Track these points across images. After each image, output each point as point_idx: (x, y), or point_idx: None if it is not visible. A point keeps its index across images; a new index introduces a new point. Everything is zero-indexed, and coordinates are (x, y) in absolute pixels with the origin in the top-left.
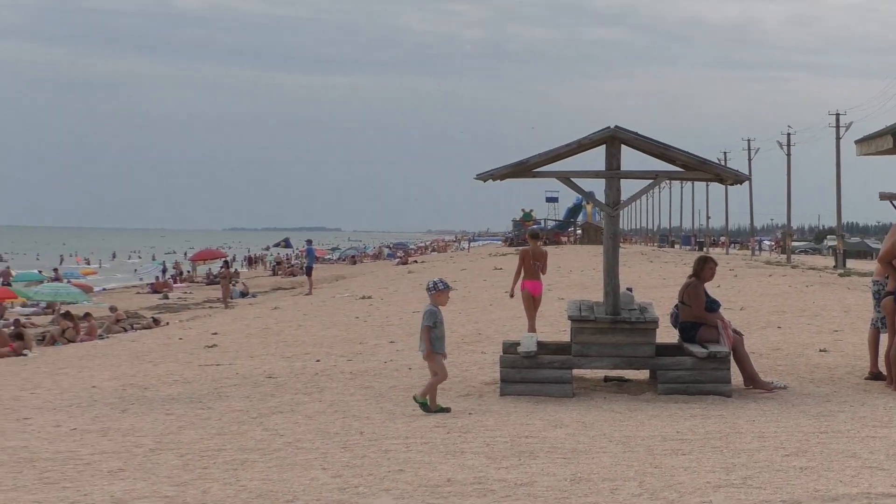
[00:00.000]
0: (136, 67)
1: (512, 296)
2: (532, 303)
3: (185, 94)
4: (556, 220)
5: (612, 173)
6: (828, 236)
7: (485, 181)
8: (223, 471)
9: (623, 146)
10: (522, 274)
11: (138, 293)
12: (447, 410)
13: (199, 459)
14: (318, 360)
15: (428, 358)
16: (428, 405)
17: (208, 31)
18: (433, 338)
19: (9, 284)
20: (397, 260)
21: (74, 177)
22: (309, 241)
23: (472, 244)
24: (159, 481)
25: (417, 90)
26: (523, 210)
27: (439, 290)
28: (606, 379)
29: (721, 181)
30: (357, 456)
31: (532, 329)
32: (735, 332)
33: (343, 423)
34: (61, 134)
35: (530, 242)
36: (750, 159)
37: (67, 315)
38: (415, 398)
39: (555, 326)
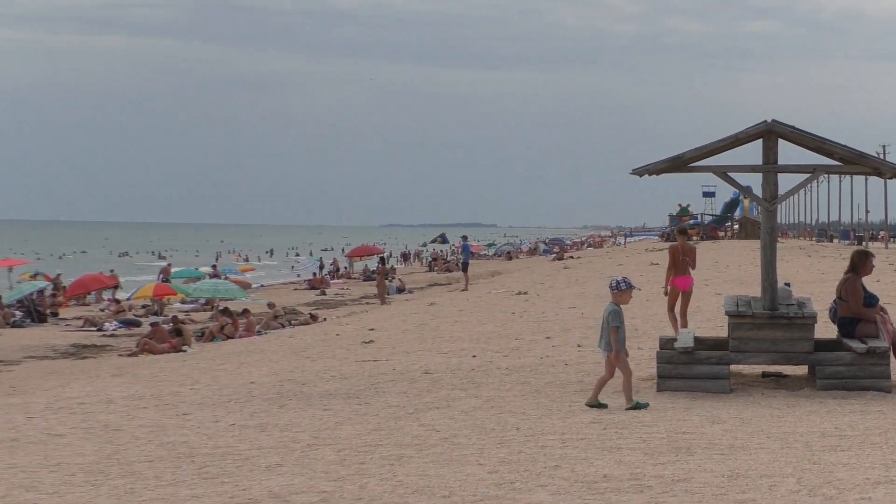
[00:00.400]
0: (294, 66)
1: (666, 293)
2: (681, 298)
3: (342, 92)
4: (712, 215)
5: (770, 167)
6: None
7: (641, 176)
8: (380, 466)
9: (780, 140)
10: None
11: (296, 289)
12: (604, 406)
13: (356, 455)
14: (474, 356)
15: (616, 358)
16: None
17: (364, 29)
18: (619, 338)
19: (168, 281)
20: (553, 255)
21: (230, 175)
22: (464, 238)
23: (628, 239)
24: (317, 476)
25: (571, 85)
26: (680, 205)
27: (622, 290)
28: (764, 374)
29: (880, 175)
30: (513, 452)
31: (675, 326)
32: (895, 327)
33: (499, 418)
34: (217, 133)
35: (678, 238)
36: None
37: (226, 311)
38: (627, 409)
39: (712, 322)
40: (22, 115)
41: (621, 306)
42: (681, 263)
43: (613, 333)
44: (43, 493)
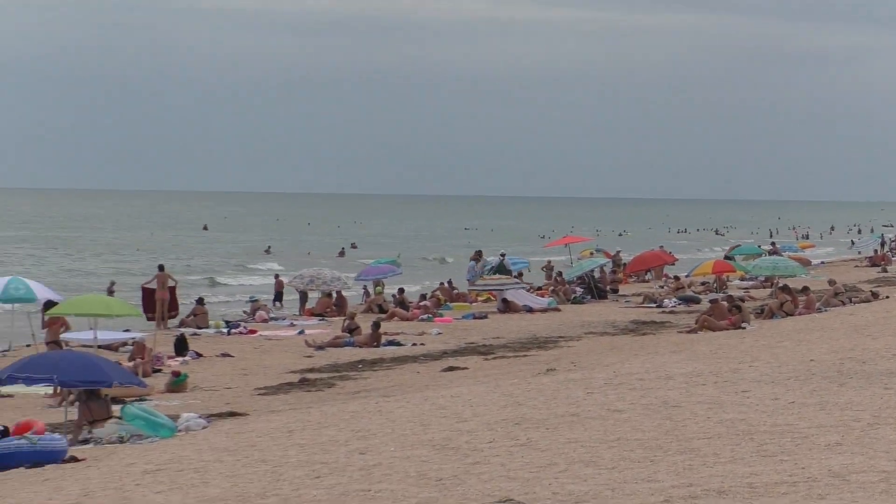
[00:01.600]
0: (858, 39)
1: None
2: None
3: None
4: None
5: None
6: None
7: None
8: None
9: None
10: None
11: (856, 266)
12: None
13: None
14: None
15: None
16: None
17: None
18: None
19: (731, 259)
20: None
21: (792, 152)
22: None
23: None
24: (877, 456)
25: None
26: None
27: None
28: None
29: None
30: None
31: None
32: None
33: None
34: (772, 110)
35: None
36: None
37: (785, 288)
38: None
39: None
40: (590, 93)
41: None
42: None
43: None
44: (602, 467)
